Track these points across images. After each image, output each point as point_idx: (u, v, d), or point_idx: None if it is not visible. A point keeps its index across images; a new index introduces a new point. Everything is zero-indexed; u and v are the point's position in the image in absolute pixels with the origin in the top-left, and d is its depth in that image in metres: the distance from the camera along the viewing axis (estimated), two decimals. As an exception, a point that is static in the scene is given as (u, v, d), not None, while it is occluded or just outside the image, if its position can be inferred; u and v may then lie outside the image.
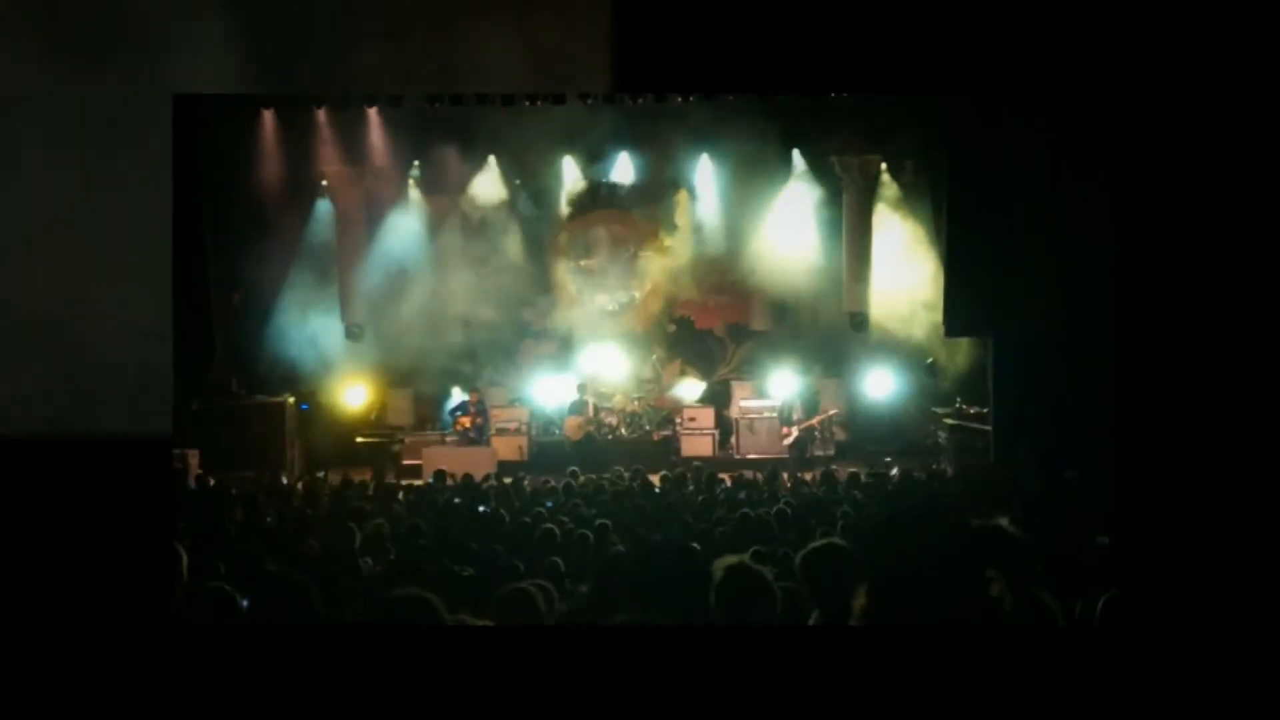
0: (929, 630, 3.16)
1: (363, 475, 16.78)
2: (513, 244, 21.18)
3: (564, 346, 21.56)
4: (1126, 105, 5.97)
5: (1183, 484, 5.37)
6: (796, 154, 20.53)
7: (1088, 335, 14.69)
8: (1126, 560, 5.23)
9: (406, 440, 19.90)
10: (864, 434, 20.24)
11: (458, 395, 20.32)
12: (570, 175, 21.29)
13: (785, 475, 16.12)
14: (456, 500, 13.09)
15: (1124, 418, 5.60)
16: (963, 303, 16.72)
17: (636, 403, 20.78)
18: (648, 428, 20.57)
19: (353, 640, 4.06)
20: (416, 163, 20.81)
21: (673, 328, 21.98)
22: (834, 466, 16.79)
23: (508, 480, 14.96)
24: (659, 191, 21.18)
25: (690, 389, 21.38)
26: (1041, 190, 15.71)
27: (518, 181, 21.20)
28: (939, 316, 17.53)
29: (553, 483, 14.37)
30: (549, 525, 9.99)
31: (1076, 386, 15.19)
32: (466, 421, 19.59)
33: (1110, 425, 5.64)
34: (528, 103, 17.69)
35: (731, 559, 4.48)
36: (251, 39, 6.22)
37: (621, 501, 12.46)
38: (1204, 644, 4.54)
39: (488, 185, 21.09)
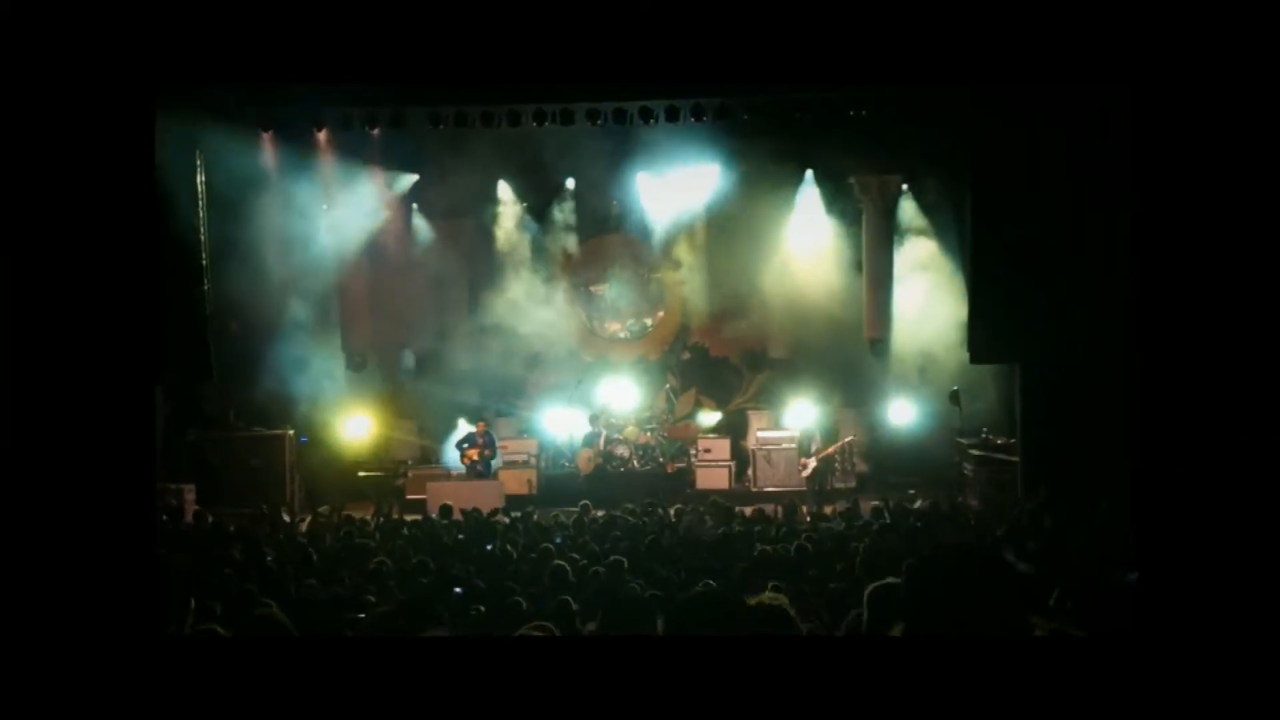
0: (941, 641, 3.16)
1: (365, 511, 16.35)
2: (520, 269, 20.69)
3: (574, 375, 21.01)
4: (1154, 127, 5.83)
5: (1209, 512, 5.31)
6: (813, 175, 20.06)
7: (1120, 362, 14.15)
8: (1152, 590, 5.11)
9: (411, 474, 19.37)
10: (886, 465, 19.71)
11: (464, 427, 19.72)
12: (578, 198, 20.81)
13: (804, 509, 15.59)
14: (461, 536, 12.66)
15: (1148, 445, 5.41)
16: (988, 328, 16.16)
17: (649, 434, 20.20)
18: (661, 460, 19.99)
19: (345, 651, 4.01)
20: (420, 186, 20.27)
21: (687, 356, 21.51)
22: (855, 499, 16.27)
23: (516, 515, 14.44)
24: (671, 214, 20.58)
25: (705, 419, 20.83)
26: (1070, 212, 15.18)
27: (525, 205, 20.76)
28: (963, 343, 16.92)
29: (563, 518, 13.97)
30: (559, 562, 9.59)
31: (1108, 415, 14.64)
32: (474, 454, 19.02)
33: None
34: (535, 123, 17.11)
35: (751, 599, 4.42)
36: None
37: (635, 537, 12.00)
38: (1231, 672, 4.32)
39: (494, 209, 20.67)
